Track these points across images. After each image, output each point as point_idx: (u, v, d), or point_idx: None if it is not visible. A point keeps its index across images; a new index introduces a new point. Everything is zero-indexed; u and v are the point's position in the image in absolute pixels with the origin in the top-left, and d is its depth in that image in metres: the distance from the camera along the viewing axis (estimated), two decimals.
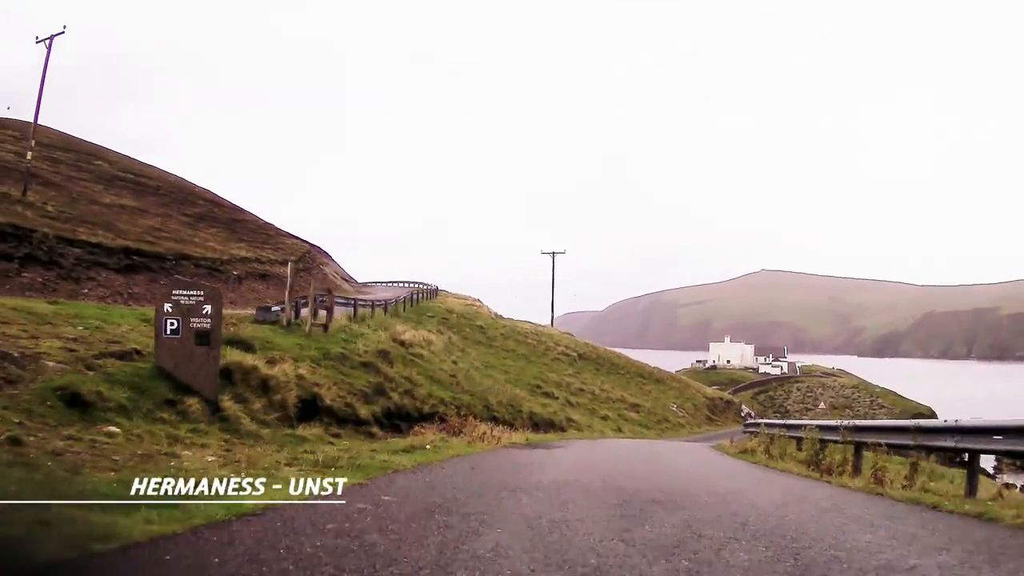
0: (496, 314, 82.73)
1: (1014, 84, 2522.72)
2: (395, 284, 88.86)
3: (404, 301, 61.96)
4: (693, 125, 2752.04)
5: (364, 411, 21.46)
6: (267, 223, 77.16)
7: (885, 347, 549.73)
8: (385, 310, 51.70)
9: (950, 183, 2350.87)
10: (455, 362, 42.53)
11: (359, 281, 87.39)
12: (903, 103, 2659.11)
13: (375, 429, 21.02)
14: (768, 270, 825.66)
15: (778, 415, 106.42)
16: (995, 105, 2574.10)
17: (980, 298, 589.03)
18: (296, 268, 29.50)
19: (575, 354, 73.36)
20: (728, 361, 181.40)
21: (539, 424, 34.83)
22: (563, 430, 36.97)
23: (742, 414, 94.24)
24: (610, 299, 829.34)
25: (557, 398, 51.32)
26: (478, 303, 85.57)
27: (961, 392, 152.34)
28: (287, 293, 28.31)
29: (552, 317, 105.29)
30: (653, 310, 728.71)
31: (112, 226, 46.61)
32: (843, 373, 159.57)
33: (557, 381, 58.32)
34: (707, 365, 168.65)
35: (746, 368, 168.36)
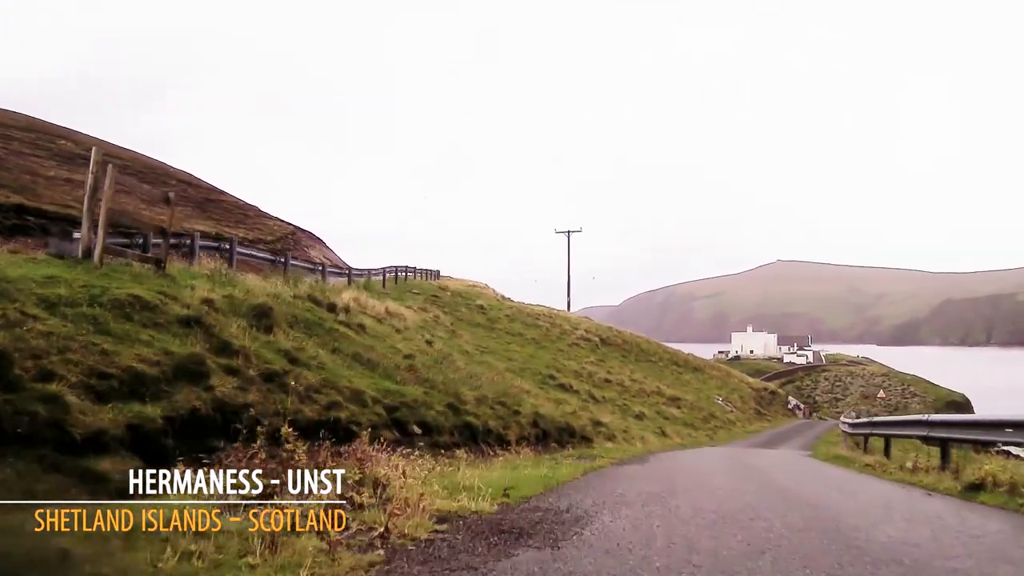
0: (502, 296, 70.44)
1: None
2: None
3: (384, 274, 51.02)
4: (704, 119, 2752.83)
5: (91, 419, 8.24)
6: (247, 204, 67.97)
7: (904, 335, 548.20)
8: (349, 280, 39.34)
9: (965, 170, 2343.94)
10: (429, 342, 30.11)
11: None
12: (919, 90, 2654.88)
13: (108, 463, 7.90)
14: (783, 261, 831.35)
15: (807, 405, 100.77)
16: (1014, 92, 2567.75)
17: (998, 284, 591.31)
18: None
19: (597, 339, 60.33)
20: (752, 351, 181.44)
21: (548, 433, 21.55)
22: (588, 440, 23.78)
23: (789, 406, 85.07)
24: (626, 293, 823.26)
25: (577, 392, 38.63)
26: (482, 285, 73.14)
27: (990, 379, 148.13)
28: (85, 201, 14.97)
29: (568, 302, 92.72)
30: (669, 303, 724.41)
31: (28, 190, 37.96)
32: (869, 361, 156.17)
33: (576, 370, 45.63)
34: (730, 356, 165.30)
35: (770, 358, 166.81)
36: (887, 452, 22.62)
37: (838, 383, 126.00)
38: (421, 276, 62.47)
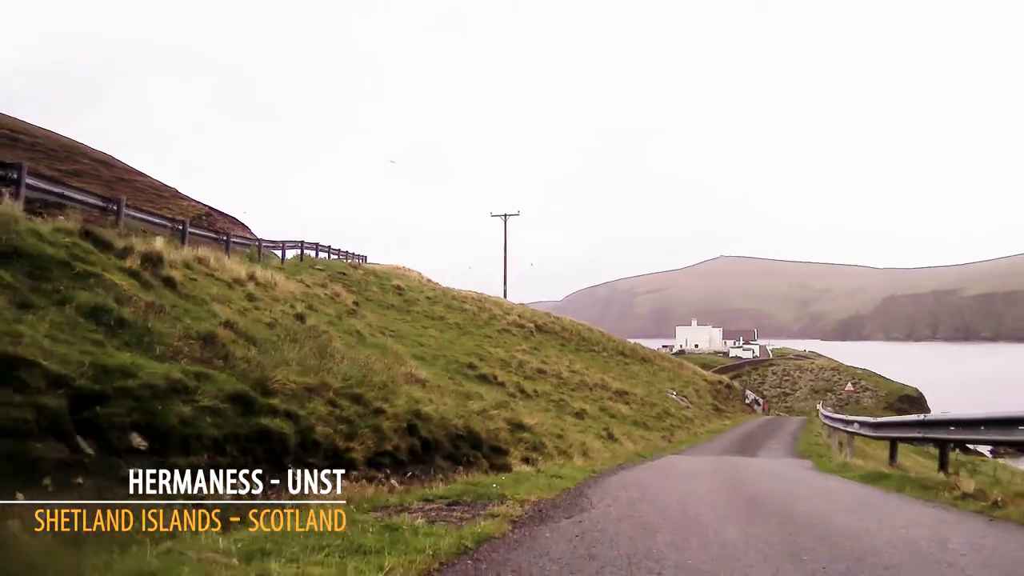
0: (428, 279, 62.06)
1: (971, 70, 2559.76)
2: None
3: (284, 247, 44.25)
4: (649, 116, 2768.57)
5: None
6: (164, 185, 62.23)
7: (848, 331, 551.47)
8: (227, 247, 31.33)
9: (908, 167, 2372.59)
10: (301, 317, 22.28)
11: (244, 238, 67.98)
12: (862, 86, 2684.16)
13: None
14: (726, 256, 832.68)
15: (765, 400, 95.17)
16: (955, 92, 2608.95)
17: (942, 280, 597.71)
18: None
19: (532, 325, 52.31)
20: (696, 345, 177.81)
21: (435, 444, 12.83)
22: (501, 452, 14.97)
23: (747, 401, 78.04)
24: (568, 289, 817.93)
25: (502, 384, 30.91)
26: (404, 268, 64.50)
27: (939, 374, 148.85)
28: None
29: (505, 289, 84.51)
30: (611, 299, 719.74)
31: None
32: (816, 355, 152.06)
33: (504, 359, 37.86)
34: (675, 350, 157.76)
35: (716, 352, 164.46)
36: (944, 466, 15.19)
37: (786, 377, 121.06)
38: (342, 258, 54.40)
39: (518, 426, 18.35)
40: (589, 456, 20.23)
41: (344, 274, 45.01)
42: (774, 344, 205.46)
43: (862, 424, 22.12)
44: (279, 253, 43.61)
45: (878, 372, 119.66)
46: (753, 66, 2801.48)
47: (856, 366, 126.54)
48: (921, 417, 16.44)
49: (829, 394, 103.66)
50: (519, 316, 53.20)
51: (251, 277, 23.79)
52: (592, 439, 25.01)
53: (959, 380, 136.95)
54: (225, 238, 34.29)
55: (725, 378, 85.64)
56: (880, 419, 21.30)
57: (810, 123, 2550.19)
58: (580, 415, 31.00)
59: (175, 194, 62.29)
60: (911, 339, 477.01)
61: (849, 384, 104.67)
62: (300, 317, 22.64)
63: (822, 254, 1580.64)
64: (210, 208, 64.33)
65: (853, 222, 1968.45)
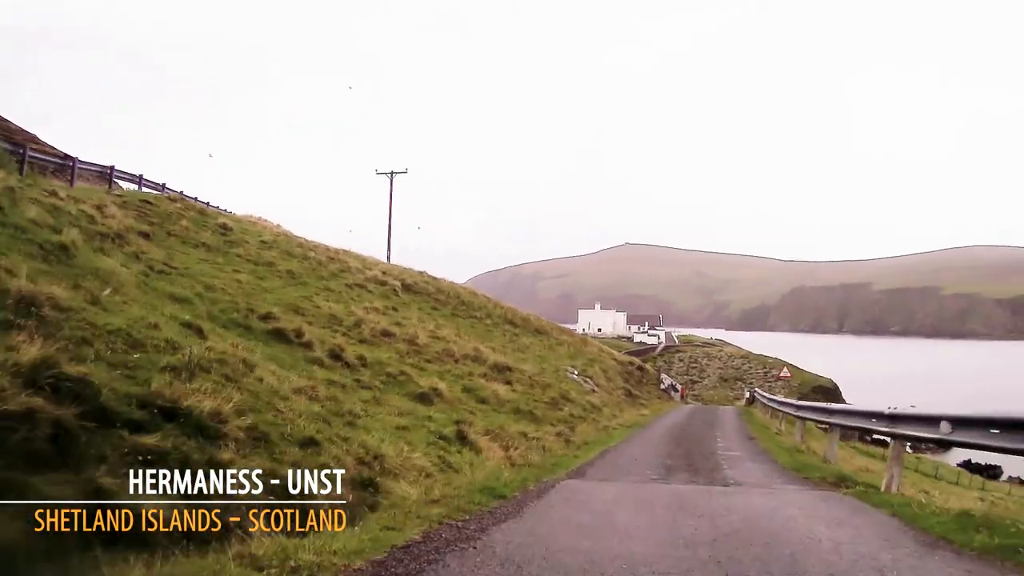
0: (285, 230, 49.29)
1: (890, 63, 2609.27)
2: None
3: (73, 165, 36.27)
4: (553, 98, 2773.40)
5: None
6: (22, 130, 53.55)
7: (753, 320, 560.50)
8: None
9: (816, 161, 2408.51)
10: None
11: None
12: (775, 75, 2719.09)
13: None
14: (631, 244, 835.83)
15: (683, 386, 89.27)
16: (870, 86, 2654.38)
17: (850, 274, 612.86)
18: None
19: (398, 283, 40.31)
20: (600, 329, 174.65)
21: None
22: None
23: (663, 386, 69.71)
24: (470, 273, 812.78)
25: (309, 344, 19.33)
26: (263, 219, 51.32)
27: (846, 365, 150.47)
28: None
29: (388, 254, 72.24)
30: (514, 283, 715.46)
31: None
32: (724, 343, 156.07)
33: (335, 315, 26.37)
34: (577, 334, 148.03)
35: (620, 337, 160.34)
36: None
37: (694, 364, 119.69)
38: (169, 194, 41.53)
39: (170, 411, 6.83)
40: (373, 507, 8.37)
41: (151, 204, 33.49)
42: (679, 331, 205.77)
43: (958, 423, 10.53)
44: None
45: (788, 361, 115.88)
46: (660, 56, 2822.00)
47: (769, 356, 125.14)
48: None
49: (739, 383, 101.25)
50: (383, 272, 41.56)
51: None
52: (418, 450, 12.47)
53: (870, 372, 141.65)
54: None
55: (637, 360, 76.06)
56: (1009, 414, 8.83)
57: (716, 116, 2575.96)
58: (426, 398, 19.28)
59: (31, 139, 55.90)
60: (818, 331, 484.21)
61: (784, 370, 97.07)
62: None
63: (727, 245, 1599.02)
64: (67, 155, 57.32)
65: (758, 215, 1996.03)
